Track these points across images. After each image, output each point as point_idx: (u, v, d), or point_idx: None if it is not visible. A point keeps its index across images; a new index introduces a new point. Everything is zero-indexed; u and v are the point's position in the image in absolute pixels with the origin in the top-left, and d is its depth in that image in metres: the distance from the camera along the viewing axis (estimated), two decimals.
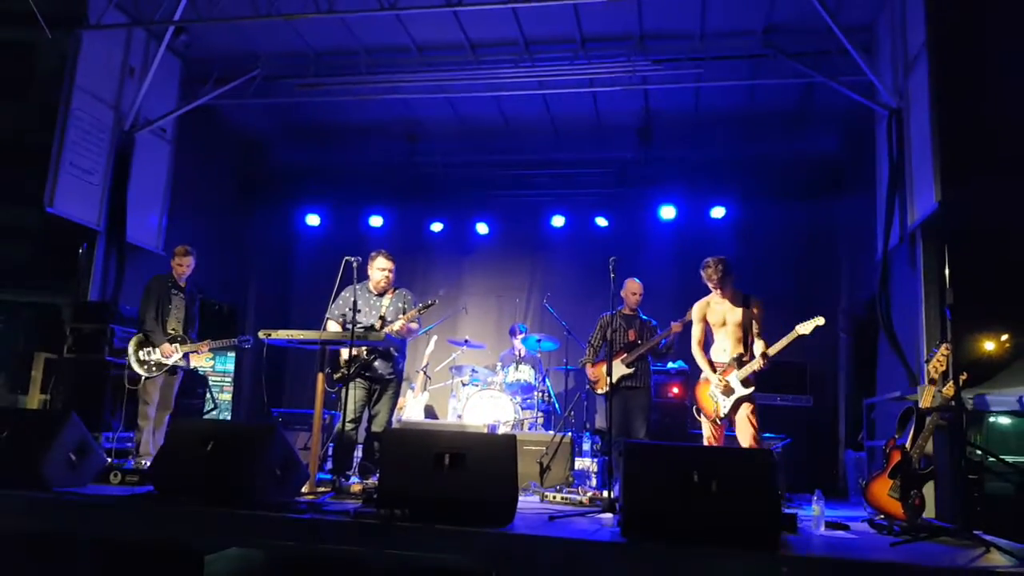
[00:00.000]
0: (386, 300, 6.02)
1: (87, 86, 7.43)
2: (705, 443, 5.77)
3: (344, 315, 5.90)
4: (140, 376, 6.32)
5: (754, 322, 5.67)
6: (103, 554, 3.93)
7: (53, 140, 7.13)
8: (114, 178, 7.80)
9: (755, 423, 5.56)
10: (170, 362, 6.42)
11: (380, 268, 6.01)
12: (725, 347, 5.74)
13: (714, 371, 5.70)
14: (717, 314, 5.78)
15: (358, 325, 5.69)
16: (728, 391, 5.59)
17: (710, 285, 5.72)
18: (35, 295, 6.96)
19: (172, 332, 6.50)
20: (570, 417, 7.66)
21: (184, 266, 6.67)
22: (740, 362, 5.60)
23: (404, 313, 5.91)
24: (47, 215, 7.01)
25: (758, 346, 5.58)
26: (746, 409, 5.56)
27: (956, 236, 5.46)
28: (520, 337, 8.55)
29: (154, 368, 6.38)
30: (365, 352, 5.73)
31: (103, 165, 7.70)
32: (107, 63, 7.73)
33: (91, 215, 7.56)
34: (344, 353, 5.68)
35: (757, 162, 9.59)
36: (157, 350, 6.37)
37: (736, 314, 5.70)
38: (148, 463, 5.78)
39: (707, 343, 5.91)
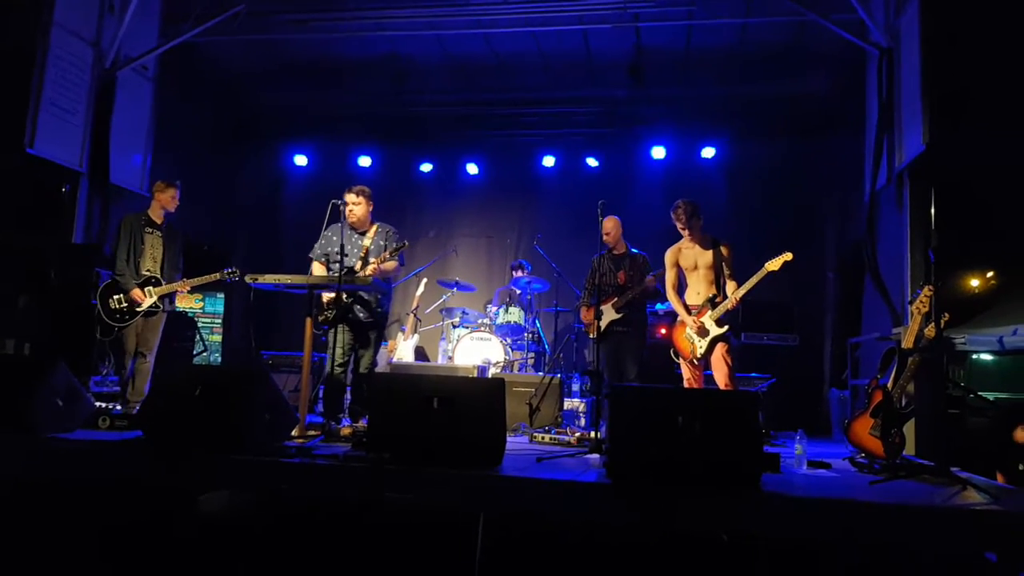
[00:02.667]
0: (368, 239, 5.89)
1: (65, 23, 7.26)
2: (685, 385, 5.91)
3: (327, 254, 5.84)
4: (113, 327, 6.05)
5: (724, 264, 5.84)
6: (93, 500, 3.98)
7: (32, 79, 6.97)
8: (96, 118, 7.68)
9: (730, 362, 5.72)
10: (143, 307, 6.11)
11: (345, 203, 5.76)
12: (699, 290, 5.93)
13: (689, 313, 5.87)
14: (688, 258, 5.96)
15: (339, 265, 5.66)
16: (703, 332, 5.74)
17: (679, 226, 5.91)
18: (16, 238, 6.83)
19: (147, 273, 6.18)
20: (559, 358, 7.74)
21: (174, 199, 6.34)
22: (713, 303, 5.77)
23: (386, 250, 5.77)
24: (27, 155, 6.89)
25: (730, 287, 5.76)
26: (721, 349, 5.72)
27: (942, 178, 5.45)
28: (522, 275, 8.50)
29: (127, 316, 6.07)
30: (345, 295, 5.63)
31: (84, 104, 7.58)
32: None
33: (73, 156, 7.45)
34: (326, 295, 5.61)
35: (748, 102, 9.53)
36: (128, 296, 6.08)
37: (706, 257, 5.87)
38: (137, 408, 5.79)
39: (681, 287, 6.08)
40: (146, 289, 6.16)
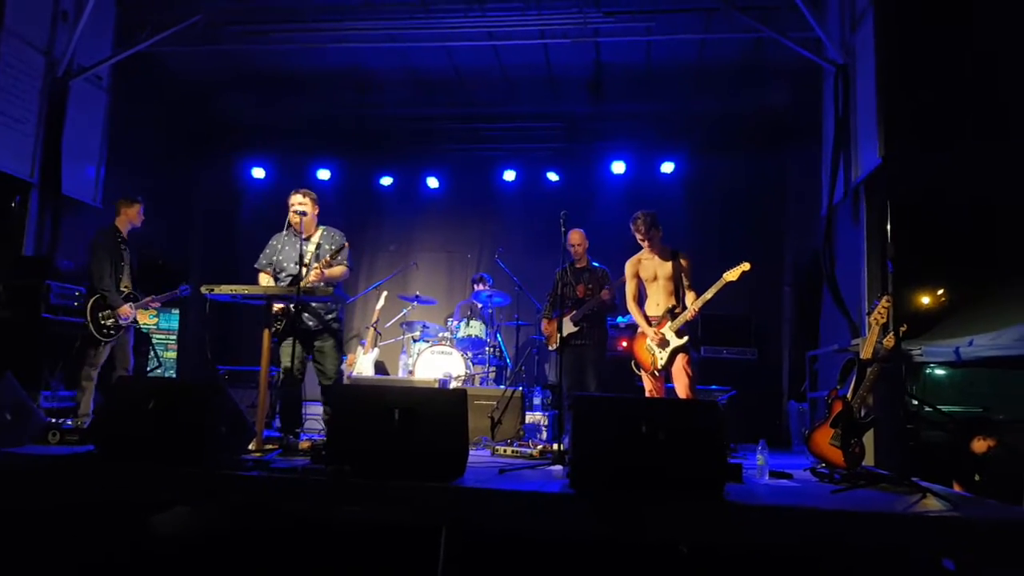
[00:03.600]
0: (312, 244, 5.65)
1: (17, 30, 7.07)
2: (647, 396, 5.90)
3: (272, 263, 5.66)
4: (100, 341, 6.09)
5: (683, 275, 5.88)
6: (42, 518, 3.83)
7: None
8: (47, 127, 7.46)
9: (690, 372, 5.74)
10: (126, 323, 6.20)
11: (290, 204, 5.58)
12: (658, 301, 5.95)
13: (649, 325, 5.88)
14: (648, 270, 5.99)
15: (284, 273, 5.55)
16: (663, 343, 5.76)
17: (638, 237, 5.95)
18: None
19: (125, 290, 6.25)
20: (520, 372, 7.70)
21: (139, 214, 6.42)
22: (673, 314, 5.79)
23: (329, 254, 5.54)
24: None
25: (689, 298, 5.78)
26: (682, 360, 5.74)
27: (898, 192, 5.55)
28: (483, 288, 8.42)
29: (112, 331, 6.13)
30: (292, 305, 5.39)
31: (35, 114, 7.37)
32: (38, 6, 7.36)
33: (23, 167, 7.22)
34: (276, 306, 5.38)
35: (707, 117, 9.65)
36: (115, 312, 6.12)
37: (666, 268, 5.91)
38: (88, 422, 5.63)
39: (641, 299, 6.09)
40: (129, 304, 6.24)
